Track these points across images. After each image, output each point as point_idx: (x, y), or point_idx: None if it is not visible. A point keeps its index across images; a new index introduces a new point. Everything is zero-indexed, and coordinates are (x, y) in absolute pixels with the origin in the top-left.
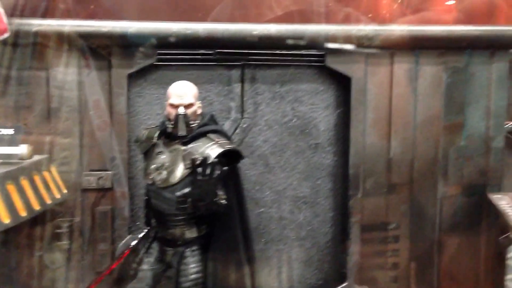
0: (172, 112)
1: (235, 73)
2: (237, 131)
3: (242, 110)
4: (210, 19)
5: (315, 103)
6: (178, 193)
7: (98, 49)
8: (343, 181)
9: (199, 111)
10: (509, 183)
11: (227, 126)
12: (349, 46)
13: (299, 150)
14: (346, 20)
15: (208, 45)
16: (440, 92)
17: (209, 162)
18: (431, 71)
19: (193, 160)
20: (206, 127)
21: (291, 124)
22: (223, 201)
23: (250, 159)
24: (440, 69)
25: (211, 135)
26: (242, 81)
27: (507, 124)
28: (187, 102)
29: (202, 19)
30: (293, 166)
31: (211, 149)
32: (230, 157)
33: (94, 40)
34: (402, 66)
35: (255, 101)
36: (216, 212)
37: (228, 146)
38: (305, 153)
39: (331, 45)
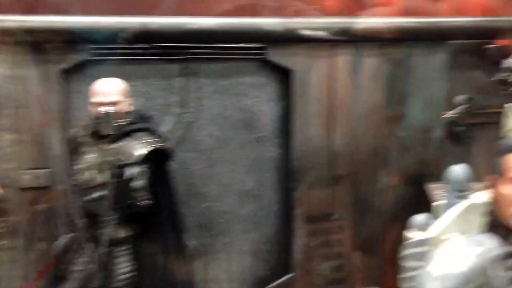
0: (96, 110)
1: (176, 68)
2: (180, 126)
3: (184, 105)
4: (156, 14)
5: (258, 96)
6: (95, 195)
7: (35, 44)
8: (288, 174)
9: (127, 109)
10: None
11: (168, 121)
12: (289, 39)
13: (244, 144)
14: (295, 13)
15: (147, 40)
16: (381, 84)
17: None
18: (372, 63)
19: (112, 163)
20: (134, 126)
21: (235, 117)
22: (145, 202)
23: (194, 153)
24: (381, 61)
25: (139, 134)
26: (183, 75)
27: (444, 114)
28: (111, 100)
29: (147, 13)
30: (237, 160)
31: (137, 149)
32: (162, 155)
33: (31, 35)
34: (343, 58)
35: (197, 95)
36: (140, 212)
37: (155, 145)
38: (250, 147)
39: (272, 38)
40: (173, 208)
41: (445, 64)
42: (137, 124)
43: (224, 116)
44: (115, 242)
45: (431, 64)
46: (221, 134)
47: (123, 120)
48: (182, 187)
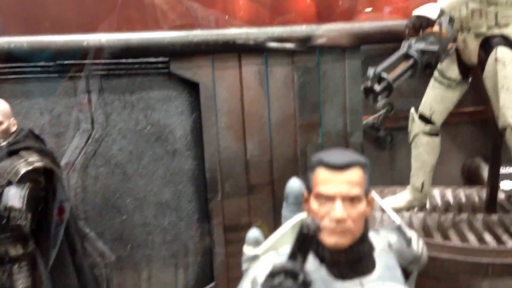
0: None
1: (81, 84)
2: (89, 141)
3: (92, 121)
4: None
5: (168, 110)
6: None
7: None
8: (204, 185)
9: (11, 129)
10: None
11: (77, 138)
12: (192, 51)
13: (157, 157)
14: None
15: (48, 57)
16: (292, 92)
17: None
18: (281, 72)
19: None
20: (17, 145)
21: (146, 131)
22: (18, 222)
23: (107, 168)
24: (290, 69)
25: (23, 153)
26: (88, 92)
27: (364, 120)
28: None
29: (48, 30)
30: (152, 173)
31: (18, 169)
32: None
33: None
34: (250, 68)
35: (105, 111)
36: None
37: (36, 165)
38: (164, 159)
39: (174, 51)
40: (69, 224)
41: (358, 69)
42: (21, 143)
43: (135, 131)
44: (11, 260)
45: (344, 70)
46: (133, 148)
47: (5, 140)
48: (98, 201)
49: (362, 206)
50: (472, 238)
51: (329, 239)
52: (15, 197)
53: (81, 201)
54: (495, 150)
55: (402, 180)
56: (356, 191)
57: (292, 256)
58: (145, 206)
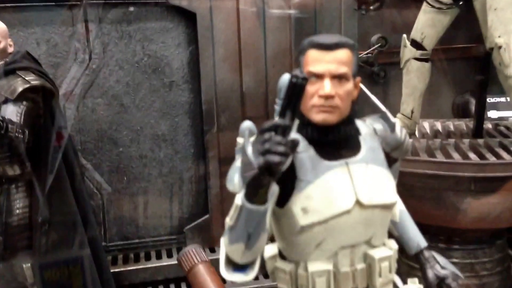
0: None
1: (78, 13)
2: (86, 72)
3: (89, 51)
4: None
5: (165, 42)
6: None
7: None
8: (200, 118)
9: (8, 49)
10: None
11: (74, 68)
12: None
13: (154, 89)
14: None
15: None
16: (288, 25)
17: None
18: (278, 4)
19: None
20: (14, 65)
21: (143, 63)
22: (17, 134)
23: (103, 99)
24: (286, 1)
25: (20, 72)
26: (85, 21)
27: (359, 55)
28: None
29: None
30: (149, 105)
31: (15, 87)
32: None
33: None
34: (248, 0)
35: (102, 41)
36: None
37: (34, 83)
38: (160, 92)
39: None
40: (67, 150)
41: (354, 2)
42: (18, 63)
43: (132, 62)
44: (9, 180)
45: (340, 3)
46: (130, 79)
47: (2, 59)
48: (94, 133)
49: (349, 86)
50: (456, 156)
51: (317, 116)
52: (12, 113)
53: (78, 132)
54: (482, 79)
55: (394, 114)
56: (344, 69)
57: (282, 113)
58: (141, 139)
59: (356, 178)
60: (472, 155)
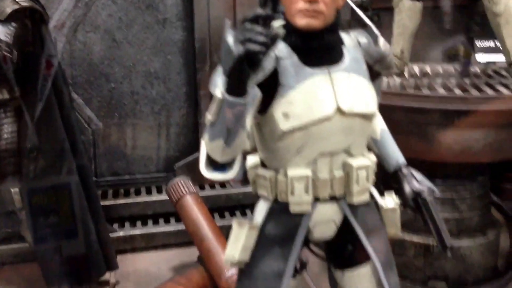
0: None
1: None
2: (78, 4)
3: None
4: None
5: None
6: None
7: None
8: (193, 57)
9: None
10: None
11: (66, 0)
12: None
13: (147, 25)
14: None
15: None
16: None
17: None
18: None
19: None
20: None
21: None
22: (6, 53)
23: (96, 34)
24: None
25: None
26: None
27: None
28: None
29: None
30: (141, 41)
31: (5, 7)
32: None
33: None
34: None
35: None
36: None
37: (23, 4)
38: (154, 28)
39: None
40: (57, 78)
41: None
42: None
43: None
44: None
45: None
46: (123, 15)
47: None
48: (85, 67)
49: None
50: (442, 91)
51: (301, 21)
52: (1, 33)
53: (69, 66)
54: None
55: None
56: None
57: (263, 3)
58: (133, 75)
59: (337, 86)
60: (457, 91)
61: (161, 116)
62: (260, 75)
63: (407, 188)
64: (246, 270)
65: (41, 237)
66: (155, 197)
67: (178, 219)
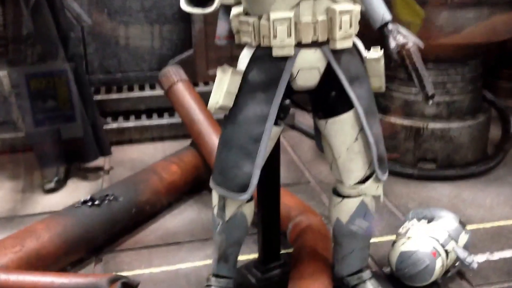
0: None
1: None
2: None
3: None
4: None
5: None
6: None
7: None
8: None
9: None
10: None
11: None
12: None
13: None
14: None
15: None
16: None
17: None
18: None
19: None
20: None
21: None
22: None
23: None
24: None
25: None
26: None
27: None
28: None
29: None
30: None
31: None
32: None
33: None
34: None
35: None
36: None
37: None
38: None
39: None
40: None
41: None
42: None
43: None
44: None
45: None
46: None
47: None
48: None
49: None
50: None
51: None
52: None
53: None
54: None
55: None
56: None
57: None
58: None
59: None
60: None
61: (152, 14)
62: None
63: (392, 43)
64: (230, 116)
65: (40, 120)
66: (148, 92)
67: (172, 114)
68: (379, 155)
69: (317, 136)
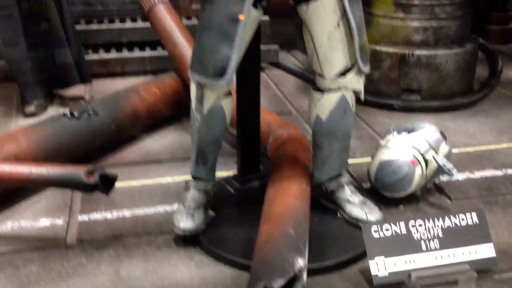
0: None
1: None
2: None
3: None
4: None
5: None
6: None
7: None
8: None
9: None
10: None
11: None
12: None
13: None
14: None
15: None
16: None
17: None
18: None
19: None
20: None
21: None
22: None
23: None
24: None
25: None
26: None
27: None
28: None
29: None
30: None
31: None
32: None
33: None
34: None
35: None
36: None
37: None
38: None
39: None
40: None
41: None
42: None
43: None
44: None
45: None
46: None
47: None
48: None
49: None
50: None
51: None
52: None
53: None
54: None
55: None
56: None
57: None
58: None
59: None
60: None
61: None
62: None
63: None
64: None
65: (34, 43)
66: (130, 24)
67: (154, 47)
68: (361, 45)
69: (300, 37)
